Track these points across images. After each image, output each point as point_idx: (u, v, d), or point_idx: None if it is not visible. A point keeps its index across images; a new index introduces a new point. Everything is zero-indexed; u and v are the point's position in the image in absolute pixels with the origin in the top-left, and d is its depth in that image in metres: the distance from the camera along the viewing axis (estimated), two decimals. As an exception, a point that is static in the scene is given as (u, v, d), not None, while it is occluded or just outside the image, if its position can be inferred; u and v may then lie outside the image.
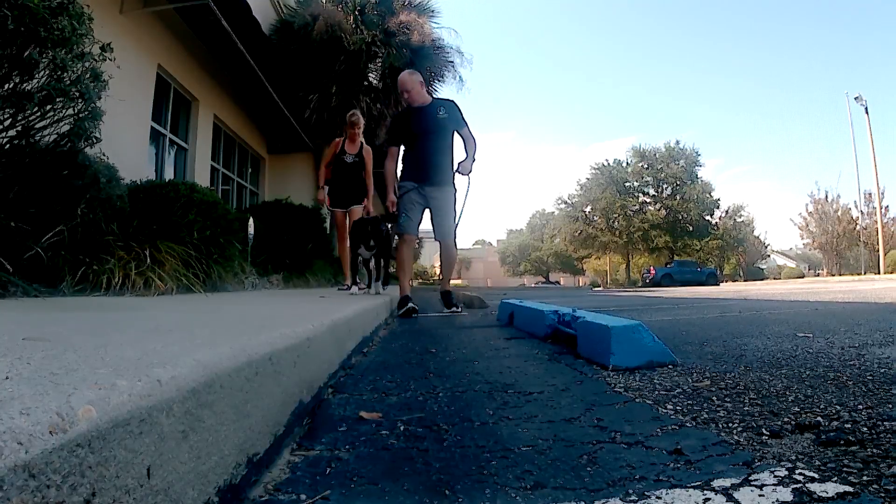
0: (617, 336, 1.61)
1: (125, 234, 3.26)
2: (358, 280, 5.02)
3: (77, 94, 2.75)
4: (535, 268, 55.57)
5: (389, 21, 9.69)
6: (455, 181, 4.04)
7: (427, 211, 4.03)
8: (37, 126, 2.74)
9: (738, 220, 36.75)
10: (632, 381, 1.40)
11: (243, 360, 0.77)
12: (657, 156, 35.85)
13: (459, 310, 4.13)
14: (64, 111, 2.80)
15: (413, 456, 0.84)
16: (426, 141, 3.95)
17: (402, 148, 4.10)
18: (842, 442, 0.85)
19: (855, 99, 26.36)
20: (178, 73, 6.83)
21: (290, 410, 0.94)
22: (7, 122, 2.61)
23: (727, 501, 0.65)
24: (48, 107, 2.68)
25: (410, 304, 3.79)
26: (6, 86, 2.50)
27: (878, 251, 25.85)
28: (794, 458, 0.80)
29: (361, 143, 5.26)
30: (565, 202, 39.70)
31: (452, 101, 4.16)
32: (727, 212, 36.35)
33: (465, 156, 4.03)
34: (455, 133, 4.04)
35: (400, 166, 4.17)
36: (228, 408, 0.68)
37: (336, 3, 9.84)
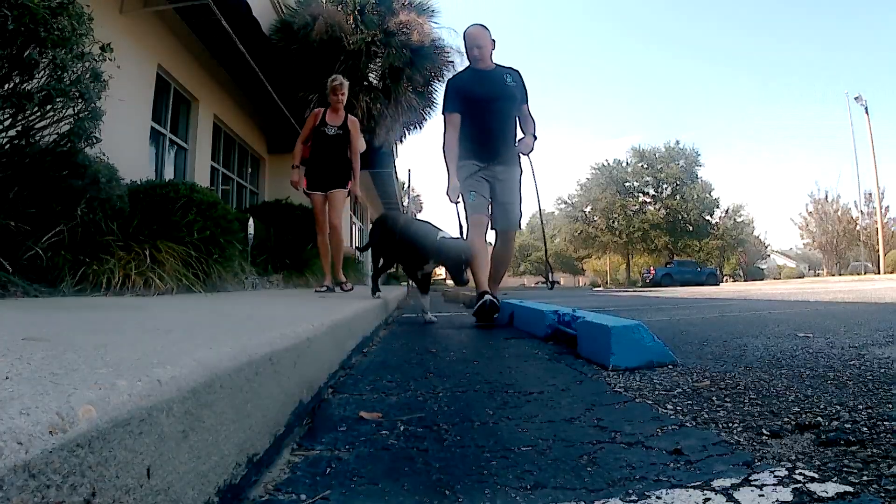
0: (617, 336, 1.61)
1: (125, 234, 3.26)
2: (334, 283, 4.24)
3: (77, 94, 2.75)
4: (535, 268, 55.55)
5: (389, 21, 9.68)
6: (520, 161, 3.47)
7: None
8: (37, 126, 2.74)
9: (738, 219, 36.79)
10: (632, 381, 1.40)
11: (243, 360, 0.77)
12: (657, 156, 35.91)
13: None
14: (64, 111, 2.80)
15: (413, 456, 0.84)
16: (492, 109, 3.34)
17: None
18: (842, 442, 0.85)
19: (855, 99, 26.41)
20: (178, 73, 6.83)
21: (290, 410, 0.94)
22: (7, 122, 2.61)
23: (727, 501, 0.65)
24: (48, 107, 2.69)
25: (489, 297, 3.01)
26: (6, 86, 2.50)
27: (878, 251, 25.86)
28: (794, 458, 0.80)
29: (346, 113, 4.39)
30: (565, 202, 39.73)
31: (517, 69, 3.51)
32: (727, 212, 36.41)
33: (523, 134, 3.46)
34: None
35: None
36: (228, 408, 0.68)
37: (336, 3, 9.83)
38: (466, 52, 3.48)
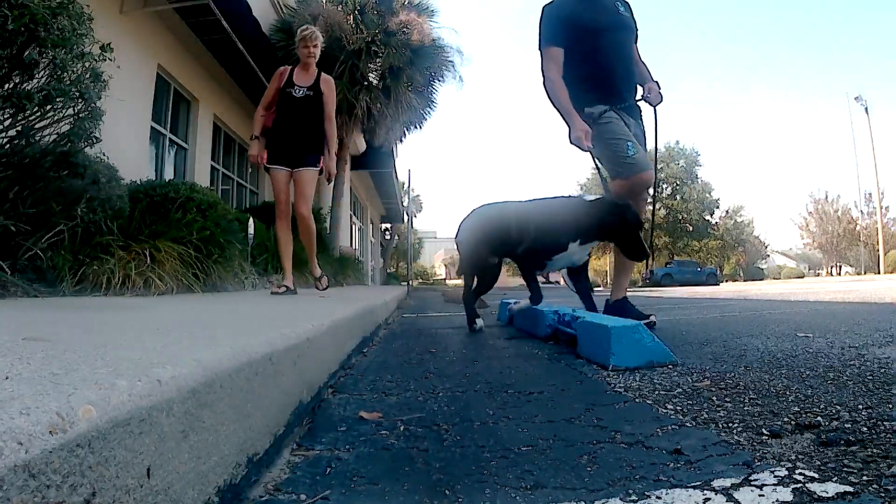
0: (617, 336, 1.61)
1: (125, 234, 3.26)
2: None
3: (77, 94, 2.74)
4: (535, 268, 55.56)
5: (389, 21, 9.69)
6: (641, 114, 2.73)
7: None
8: (37, 126, 2.74)
9: (738, 219, 36.84)
10: (632, 381, 1.40)
11: (243, 360, 0.77)
12: (657, 156, 35.89)
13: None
14: (64, 111, 2.80)
15: (413, 456, 0.84)
16: (609, 42, 2.61)
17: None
18: (842, 442, 0.85)
19: (855, 99, 26.48)
20: (178, 73, 6.83)
21: (290, 410, 0.94)
22: (7, 122, 2.61)
23: (727, 501, 0.65)
24: (48, 107, 2.68)
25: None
26: (6, 86, 2.50)
27: (878, 251, 25.89)
28: (794, 457, 0.80)
29: (319, 71, 3.62)
30: (565, 202, 39.65)
31: None
32: (727, 212, 36.45)
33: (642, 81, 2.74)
34: None
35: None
36: (228, 408, 0.68)
37: (336, 3, 9.83)
38: None
